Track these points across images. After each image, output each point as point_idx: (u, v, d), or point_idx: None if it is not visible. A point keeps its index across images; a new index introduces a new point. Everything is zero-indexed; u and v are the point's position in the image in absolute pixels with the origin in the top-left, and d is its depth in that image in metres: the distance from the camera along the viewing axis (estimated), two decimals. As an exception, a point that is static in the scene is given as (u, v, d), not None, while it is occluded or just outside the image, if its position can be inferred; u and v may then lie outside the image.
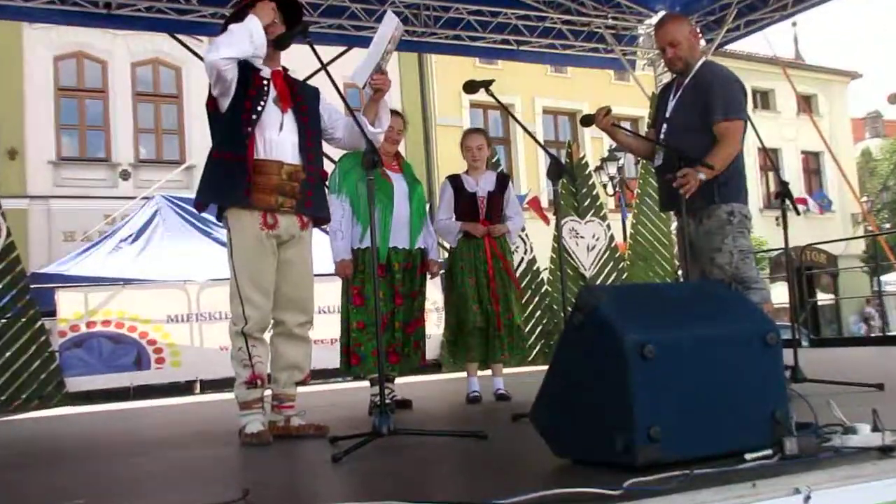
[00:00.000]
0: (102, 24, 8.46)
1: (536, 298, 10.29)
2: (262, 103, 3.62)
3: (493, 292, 5.17)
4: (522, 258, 10.24)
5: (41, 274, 10.42)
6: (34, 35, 15.81)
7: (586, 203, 10.79)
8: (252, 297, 3.62)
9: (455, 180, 5.37)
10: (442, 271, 5.50)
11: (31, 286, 8.49)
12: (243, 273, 3.63)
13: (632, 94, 17.52)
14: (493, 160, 9.36)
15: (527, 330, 9.92)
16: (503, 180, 5.42)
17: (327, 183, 4.35)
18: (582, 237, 10.62)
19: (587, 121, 4.27)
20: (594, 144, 21.31)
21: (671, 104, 4.21)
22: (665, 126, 4.21)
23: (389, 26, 3.58)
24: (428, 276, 5.00)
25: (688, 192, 3.87)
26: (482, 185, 5.33)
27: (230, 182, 3.56)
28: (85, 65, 16.66)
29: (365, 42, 8.78)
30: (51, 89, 16.26)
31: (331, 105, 3.93)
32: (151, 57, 17.01)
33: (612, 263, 10.74)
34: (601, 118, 4.20)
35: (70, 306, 9.03)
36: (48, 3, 7.83)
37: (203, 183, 3.65)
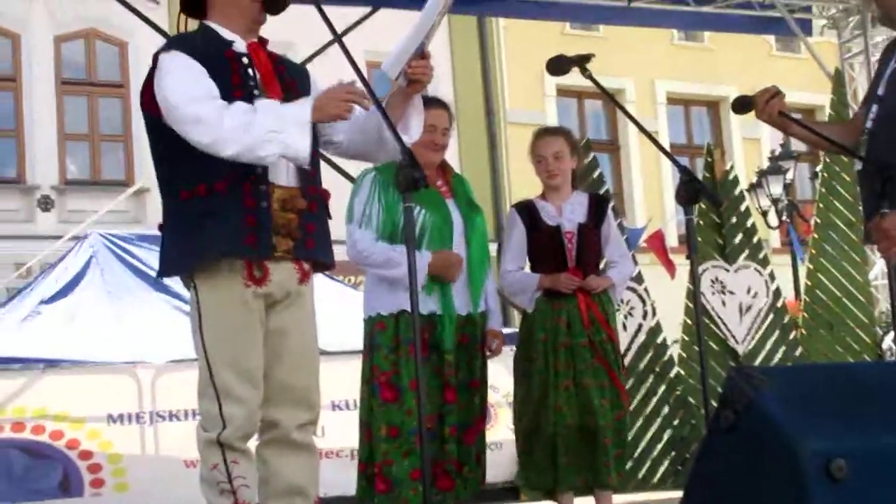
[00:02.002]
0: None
1: (662, 388, 10.18)
2: (255, 95, 3.69)
3: (594, 378, 5.15)
4: (640, 325, 10.16)
5: (-77, 352, 10.60)
6: None
7: (737, 240, 10.70)
8: (234, 390, 3.65)
9: (527, 210, 5.40)
10: (510, 348, 5.51)
11: None
12: (220, 354, 3.66)
13: (804, 72, 17.42)
14: (595, 176, 9.45)
15: (648, 437, 9.83)
16: (600, 206, 5.44)
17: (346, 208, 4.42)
18: (731, 292, 10.51)
19: (743, 105, 4.25)
20: (747, 149, 21.21)
21: (887, 74, 4.17)
22: (875, 109, 4.16)
23: None
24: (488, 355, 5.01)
25: (889, 254, 3.85)
26: (568, 213, 5.35)
27: (219, 225, 3.61)
28: (-13, 41, 17.04)
29: (396, 1, 8.90)
30: (-67, 77, 16.68)
31: None
32: (84, 28, 17.33)
33: (778, 332, 10.60)
34: (764, 103, 4.17)
35: (-34, 401, 9.16)
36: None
37: (173, 243, 3.73)
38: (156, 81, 3.64)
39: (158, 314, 10.35)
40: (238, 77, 3.70)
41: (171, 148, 3.70)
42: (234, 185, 3.61)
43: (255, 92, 3.68)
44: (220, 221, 3.60)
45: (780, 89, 4.23)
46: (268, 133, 3.51)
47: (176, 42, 3.77)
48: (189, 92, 3.57)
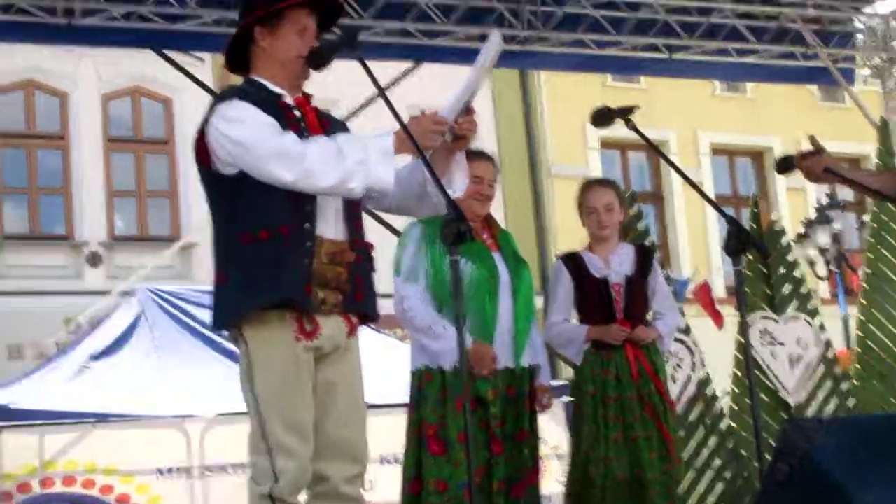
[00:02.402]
0: (61, 39, 8.79)
1: (713, 440, 10.07)
2: None
3: (643, 430, 5.12)
4: (689, 377, 10.09)
5: (-26, 408, 10.68)
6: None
7: (785, 291, 10.61)
8: (286, 444, 3.64)
9: (573, 262, 5.40)
10: (563, 400, 5.49)
11: (-40, 426, 8.71)
12: (272, 408, 3.66)
13: (848, 122, 17.32)
14: (640, 228, 9.42)
15: (700, 490, 9.72)
16: (645, 257, 5.43)
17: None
18: (781, 344, 10.41)
19: (785, 166, 4.24)
20: (792, 199, 21.09)
21: None
22: None
23: (492, 50, 3.67)
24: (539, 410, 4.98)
25: None
26: (615, 265, 5.34)
27: (280, 271, 3.60)
28: (36, 98, 17.21)
29: (439, 55, 8.97)
30: (-16, 134, 16.77)
31: None
32: (130, 86, 17.51)
33: (829, 383, 10.48)
34: (800, 160, 4.16)
35: (17, 455, 9.19)
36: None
37: (227, 291, 3.71)
38: (217, 130, 3.64)
39: (207, 368, 10.39)
40: (295, 126, 3.71)
41: (228, 195, 3.70)
42: (290, 234, 3.61)
43: None
44: (273, 271, 3.60)
45: (820, 142, 4.20)
46: (356, 164, 3.52)
47: (232, 91, 3.79)
48: (263, 130, 3.59)
